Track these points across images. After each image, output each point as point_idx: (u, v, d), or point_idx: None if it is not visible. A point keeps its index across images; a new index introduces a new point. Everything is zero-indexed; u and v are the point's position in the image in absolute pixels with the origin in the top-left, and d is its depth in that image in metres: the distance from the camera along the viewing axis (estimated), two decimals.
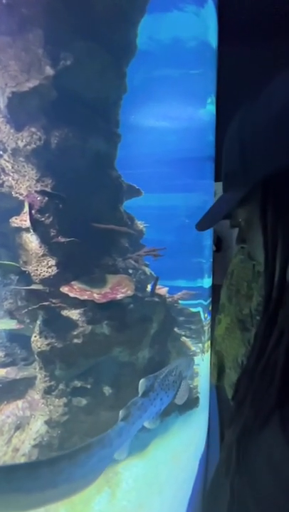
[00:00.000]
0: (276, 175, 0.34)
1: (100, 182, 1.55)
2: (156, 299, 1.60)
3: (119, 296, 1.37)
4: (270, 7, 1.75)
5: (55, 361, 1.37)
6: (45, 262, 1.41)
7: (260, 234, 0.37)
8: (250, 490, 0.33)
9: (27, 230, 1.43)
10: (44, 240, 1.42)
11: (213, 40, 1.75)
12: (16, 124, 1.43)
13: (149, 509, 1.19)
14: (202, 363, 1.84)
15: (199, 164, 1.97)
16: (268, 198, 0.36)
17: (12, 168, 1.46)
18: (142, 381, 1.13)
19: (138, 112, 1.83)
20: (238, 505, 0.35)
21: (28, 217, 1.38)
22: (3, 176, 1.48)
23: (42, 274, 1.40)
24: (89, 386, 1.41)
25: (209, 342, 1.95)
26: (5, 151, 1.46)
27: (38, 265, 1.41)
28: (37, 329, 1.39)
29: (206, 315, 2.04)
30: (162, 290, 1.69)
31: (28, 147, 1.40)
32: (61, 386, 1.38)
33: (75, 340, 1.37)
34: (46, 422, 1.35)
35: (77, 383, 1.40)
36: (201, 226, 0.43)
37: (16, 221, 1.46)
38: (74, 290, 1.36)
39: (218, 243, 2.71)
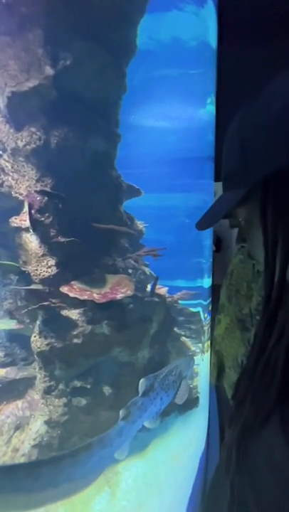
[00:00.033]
0: (276, 174, 0.34)
1: (100, 182, 1.55)
2: (156, 299, 1.60)
3: (119, 296, 1.37)
4: (270, 7, 1.75)
5: (55, 361, 1.37)
6: (45, 261, 1.41)
7: (261, 233, 0.37)
8: (250, 490, 0.33)
9: (27, 229, 1.43)
10: (44, 239, 1.42)
11: (213, 40, 1.75)
12: (15, 124, 1.43)
13: (148, 509, 1.19)
14: (202, 363, 1.84)
15: (199, 164, 1.97)
16: (268, 197, 0.36)
17: (12, 168, 1.46)
18: (142, 381, 1.13)
19: (138, 112, 1.82)
20: (238, 505, 0.35)
21: (27, 217, 1.38)
22: (2, 176, 1.48)
23: (42, 274, 1.40)
24: (89, 386, 1.41)
25: (209, 342, 1.95)
26: (4, 150, 1.46)
27: (38, 265, 1.41)
28: (37, 329, 1.39)
29: (205, 315, 2.04)
30: (162, 290, 1.69)
31: (27, 147, 1.40)
32: (61, 386, 1.38)
33: (75, 340, 1.37)
34: (46, 422, 1.34)
35: (77, 383, 1.40)
36: (201, 225, 0.43)
37: (16, 221, 1.46)
38: (74, 290, 1.36)
39: (218, 243, 2.71)
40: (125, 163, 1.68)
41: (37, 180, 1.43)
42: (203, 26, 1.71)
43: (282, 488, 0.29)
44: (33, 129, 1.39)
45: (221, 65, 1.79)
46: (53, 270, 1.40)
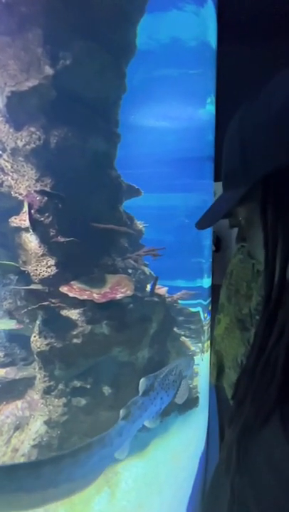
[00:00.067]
0: (276, 173, 0.34)
1: (100, 182, 1.55)
2: (156, 299, 1.60)
3: (119, 295, 1.37)
4: (270, 7, 1.75)
5: (55, 361, 1.36)
6: (45, 261, 1.41)
7: (261, 232, 0.37)
8: (250, 489, 0.33)
9: (26, 229, 1.43)
10: (43, 239, 1.42)
11: (212, 39, 1.75)
12: (15, 124, 1.43)
13: (148, 509, 1.19)
14: (202, 363, 1.84)
15: (199, 164, 1.97)
16: (268, 196, 0.36)
17: (11, 167, 1.46)
18: (142, 380, 1.13)
19: (138, 112, 1.82)
20: (238, 505, 0.35)
21: (27, 216, 1.38)
22: (2, 176, 1.48)
23: (41, 273, 1.40)
24: (88, 386, 1.40)
25: (209, 342, 1.95)
26: (4, 150, 1.46)
27: (38, 265, 1.41)
28: (36, 329, 1.39)
29: (205, 315, 2.04)
30: (162, 290, 1.69)
31: (27, 147, 1.40)
32: (60, 386, 1.38)
33: (75, 340, 1.37)
34: (46, 422, 1.34)
35: (77, 383, 1.40)
36: (201, 225, 0.43)
37: (16, 221, 1.45)
38: (73, 290, 1.36)
39: (218, 243, 2.71)
40: (125, 163, 1.67)
41: (37, 180, 1.42)
42: (203, 26, 1.72)
43: (282, 488, 0.29)
44: (32, 129, 1.39)
45: (220, 65, 1.79)
46: (53, 270, 1.40)
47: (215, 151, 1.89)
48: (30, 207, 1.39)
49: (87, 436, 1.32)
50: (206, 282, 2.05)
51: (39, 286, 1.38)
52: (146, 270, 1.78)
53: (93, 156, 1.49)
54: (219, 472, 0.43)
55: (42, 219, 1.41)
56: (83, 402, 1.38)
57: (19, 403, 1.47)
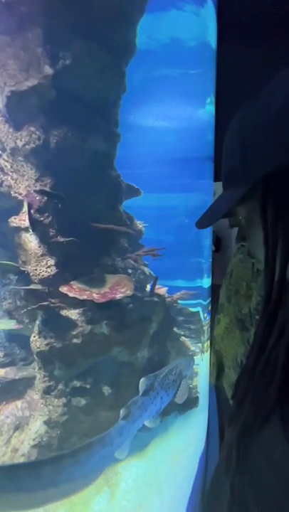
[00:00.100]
0: (276, 173, 0.34)
1: (99, 182, 1.55)
2: (156, 299, 1.60)
3: (119, 295, 1.37)
4: (270, 7, 1.75)
5: (55, 361, 1.36)
6: (44, 261, 1.41)
7: (261, 231, 0.37)
8: (250, 489, 0.33)
9: (26, 229, 1.43)
10: (43, 239, 1.42)
11: (212, 39, 1.75)
12: (14, 124, 1.42)
13: (148, 509, 1.19)
14: (202, 363, 1.84)
15: (199, 164, 1.97)
16: (268, 195, 0.36)
17: (11, 167, 1.46)
18: (142, 380, 1.13)
19: (137, 112, 1.82)
20: (238, 505, 0.35)
21: (27, 216, 1.38)
22: (2, 176, 1.48)
23: (41, 273, 1.40)
24: (88, 386, 1.40)
25: (209, 342, 1.95)
26: (4, 150, 1.46)
27: (37, 265, 1.41)
28: (36, 329, 1.39)
29: (205, 315, 2.04)
30: (161, 290, 1.69)
31: (27, 146, 1.40)
32: (60, 386, 1.38)
33: (75, 340, 1.37)
34: (45, 422, 1.34)
35: (77, 383, 1.40)
36: (201, 224, 0.43)
37: (15, 221, 1.45)
38: (73, 290, 1.36)
39: (218, 243, 2.71)
40: (125, 163, 1.67)
41: (36, 180, 1.42)
42: (203, 26, 1.72)
43: (282, 488, 0.29)
44: (32, 129, 1.39)
45: (220, 65, 1.79)
46: (53, 270, 1.40)
47: (215, 151, 1.89)
48: (29, 207, 1.39)
49: (87, 436, 1.32)
50: (206, 282, 2.05)
51: (39, 286, 1.38)
52: (146, 270, 1.78)
53: (93, 156, 1.49)
54: (219, 472, 0.43)
55: (42, 219, 1.41)
56: (83, 402, 1.38)
57: (19, 403, 1.47)
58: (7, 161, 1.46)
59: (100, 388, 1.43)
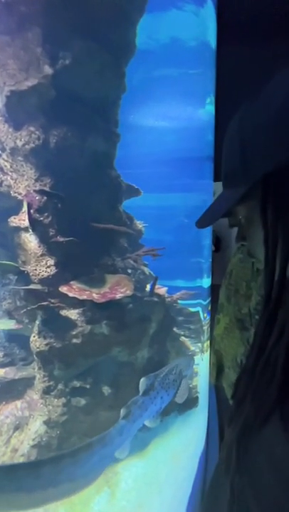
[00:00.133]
0: (276, 172, 0.34)
1: (99, 182, 1.55)
2: (156, 299, 1.60)
3: (118, 295, 1.37)
4: (270, 7, 1.75)
5: (54, 361, 1.36)
6: (44, 261, 1.41)
7: (261, 231, 0.37)
8: (250, 489, 0.33)
9: (26, 229, 1.43)
10: (43, 239, 1.42)
11: (212, 39, 1.75)
12: (14, 123, 1.42)
13: (148, 509, 1.19)
14: (201, 363, 1.84)
15: (198, 164, 1.97)
16: (268, 195, 0.36)
17: (11, 167, 1.46)
18: (142, 380, 1.13)
19: (137, 112, 1.82)
20: (238, 505, 0.35)
21: (26, 216, 1.38)
22: (1, 175, 1.48)
23: (41, 273, 1.40)
24: (88, 386, 1.40)
25: (208, 342, 1.95)
26: (3, 150, 1.45)
27: (37, 265, 1.41)
28: (36, 329, 1.38)
29: (205, 315, 2.04)
30: (161, 290, 1.69)
31: (26, 146, 1.40)
32: (60, 386, 1.38)
33: (74, 340, 1.37)
34: (45, 422, 1.34)
35: (76, 383, 1.40)
36: (201, 223, 0.43)
37: (15, 221, 1.45)
38: (73, 290, 1.36)
39: (217, 243, 2.71)
40: (124, 162, 1.67)
41: (36, 180, 1.42)
42: (203, 26, 1.71)
43: (282, 488, 0.29)
44: (32, 129, 1.39)
45: (220, 65, 1.79)
46: (52, 270, 1.40)
47: (215, 151, 1.89)
48: (29, 206, 1.39)
49: (86, 436, 1.32)
50: (206, 282, 2.05)
51: (38, 286, 1.38)
52: (146, 270, 1.78)
53: (93, 156, 1.49)
54: (219, 472, 0.43)
55: (41, 219, 1.41)
56: (83, 402, 1.38)
57: (18, 403, 1.47)
58: (7, 161, 1.46)
59: (100, 388, 1.43)
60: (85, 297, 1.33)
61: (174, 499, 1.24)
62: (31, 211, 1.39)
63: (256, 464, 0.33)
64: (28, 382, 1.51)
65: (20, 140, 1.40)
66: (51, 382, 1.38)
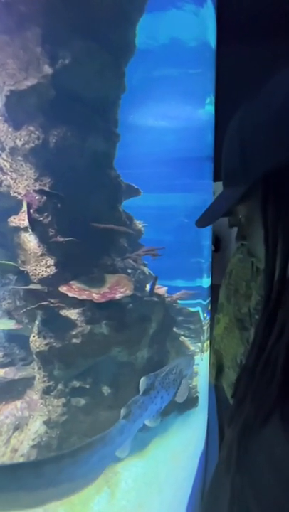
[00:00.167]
0: (276, 171, 0.34)
1: (99, 181, 1.55)
2: (155, 299, 1.60)
3: (118, 295, 1.37)
4: (270, 7, 1.75)
5: (54, 361, 1.36)
6: (44, 261, 1.41)
7: (261, 230, 0.37)
8: (250, 489, 0.33)
9: (25, 229, 1.43)
10: (43, 239, 1.42)
11: (212, 39, 1.75)
12: (14, 123, 1.42)
13: (148, 509, 1.19)
14: (201, 363, 1.84)
15: (198, 164, 1.97)
16: (268, 194, 0.36)
17: (10, 167, 1.46)
18: (142, 379, 1.13)
19: (137, 112, 1.82)
20: (238, 505, 0.35)
21: (26, 216, 1.38)
22: (1, 175, 1.47)
23: (40, 273, 1.39)
24: (88, 386, 1.40)
25: (208, 341, 1.95)
26: (3, 150, 1.45)
27: (37, 265, 1.41)
28: (35, 329, 1.38)
29: (205, 314, 2.04)
30: (161, 290, 1.69)
31: (26, 146, 1.40)
32: (60, 386, 1.38)
33: (74, 340, 1.37)
34: (45, 423, 1.34)
35: (76, 383, 1.40)
36: (201, 223, 0.43)
37: (15, 220, 1.45)
38: (73, 290, 1.36)
39: (217, 243, 2.71)
40: (124, 162, 1.67)
41: (36, 180, 1.42)
42: (203, 26, 1.72)
43: (282, 488, 0.29)
44: (31, 128, 1.39)
45: (220, 64, 1.79)
46: (52, 270, 1.40)
47: (214, 151, 1.89)
48: (29, 206, 1.38)
49: (86, 436, 1.31)
50: (206, 282, 2.05)
51: (38, 286, 1.38)
52: (146, 270, 1.78)
53: (92, 156, 1.49)
54: (219, 472, 0.42)
55: (41, 219, 1.41)
56: (82, 402, 1.38)
57: (18, 403, 1.47)
58: (6, 161, 1.46)
59: (100, 388, 1.43)
60: (84, 297, 1.33)
61: (174, 499, 1.24)
62: (31, 211, 1.39)
63: (256, 464, 0.33)
64: (27, 383, 1.50)
65: (20, 140, 1.40)
66: (51, 383, 1.38)
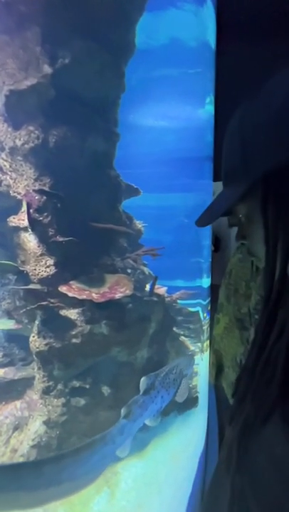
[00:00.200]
0: (276, 171, 0.34)
1: (99, 181, 1.55)
2: (155, 299, 1.60)
3: (118, 295, 1.37)
4: (270, 7, 1.75)
5: (54, 361, 1.36)
6: (44, 261, 1.41)
7: (261, 229, 0.37)
8: (250, 489, 0.33)
9: (25, 229, 1.43)
10: (42, 239, 1.42)
11: (212, 39, 1.75)
12: (13, 123, 1.42)
13: (148, 509, 1.19)
14: (201, 363, 1.84)
15: (198, 164, 1.97)
16: (268, 193, 0.36)
17: (10, 167, 1.46)
18: (143, 379, 1.13)
19: (137, 112, 1.82)
20: (238, 505, 0.35)
21: (26, 216, 1.37)
22: (0, 175, 1.47)
23: (40, 273, 1.39)
24: (87, 386, 1.40)
25: (208, 341, 1.95)
26: (3, 149, 1.45)
27: (37, 265, 1.41)
28: (35, 329, 1.38)
29: (204, 314, 2.04)
30: (161, 290, 1.69)
31: (26, 146, 1.40)
32: (60, 386, 1.38)
33: (74, 340, 1.36)
34: (45, 423, 1.34)
35: (76, 383, 1.40)
36: (201, 222, 0.43)
37: (14, 220, 1.45)
38: (72, 290, 1.36)
39: (217, 243, 2.71)
40: (124, 162, 1.67)
41: (35, 180, 1.42)
42: (202, 26, 1.72)
43: (282, 487, 0.29)
44: (31, 128, 1.39)
45: (219, 64, 1.79)
46: (52, 270, 1.39)
47: (214, 150, 1.89)
48: (29, 206, 1.38)
49: (86, 436, 1.31)
50: (205, 282, 2.05)
51: (38, 286, 1.38)
52: (146, 270, 1.78)
53: (92, 156, 1.48)
54: (219, 472, 0.42)
55: (41, 218, 1.40)
56: (82, 402, 1.38)
57: (18, 403, 1.46)
58: (6, 161, 1.46)
59: (99, 388, 1.43)
60: (84, 297, 1.33)
61: (174, 499, 1.24)
62: (31, 211, 1.39)
63: (256, 464, 0.33)
64: (27, 383, 1.50)
65: (20, 139, 1.40)
66: (51, 383, 1.37)
